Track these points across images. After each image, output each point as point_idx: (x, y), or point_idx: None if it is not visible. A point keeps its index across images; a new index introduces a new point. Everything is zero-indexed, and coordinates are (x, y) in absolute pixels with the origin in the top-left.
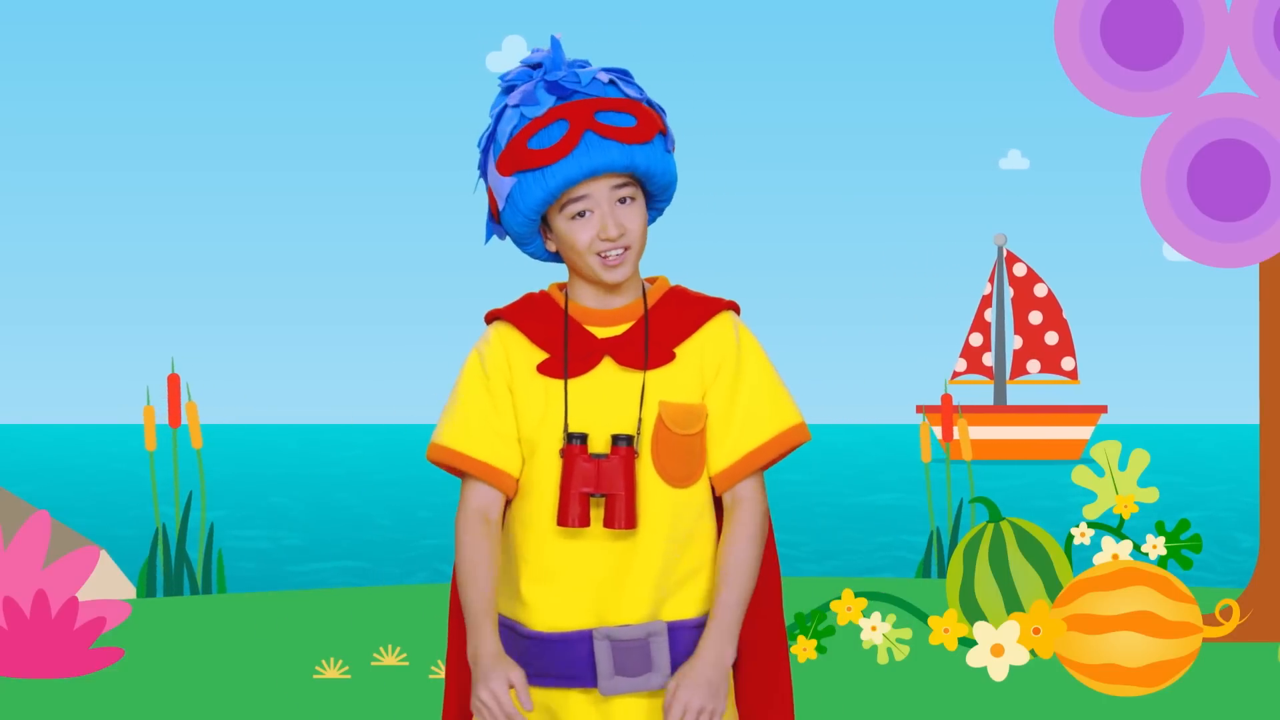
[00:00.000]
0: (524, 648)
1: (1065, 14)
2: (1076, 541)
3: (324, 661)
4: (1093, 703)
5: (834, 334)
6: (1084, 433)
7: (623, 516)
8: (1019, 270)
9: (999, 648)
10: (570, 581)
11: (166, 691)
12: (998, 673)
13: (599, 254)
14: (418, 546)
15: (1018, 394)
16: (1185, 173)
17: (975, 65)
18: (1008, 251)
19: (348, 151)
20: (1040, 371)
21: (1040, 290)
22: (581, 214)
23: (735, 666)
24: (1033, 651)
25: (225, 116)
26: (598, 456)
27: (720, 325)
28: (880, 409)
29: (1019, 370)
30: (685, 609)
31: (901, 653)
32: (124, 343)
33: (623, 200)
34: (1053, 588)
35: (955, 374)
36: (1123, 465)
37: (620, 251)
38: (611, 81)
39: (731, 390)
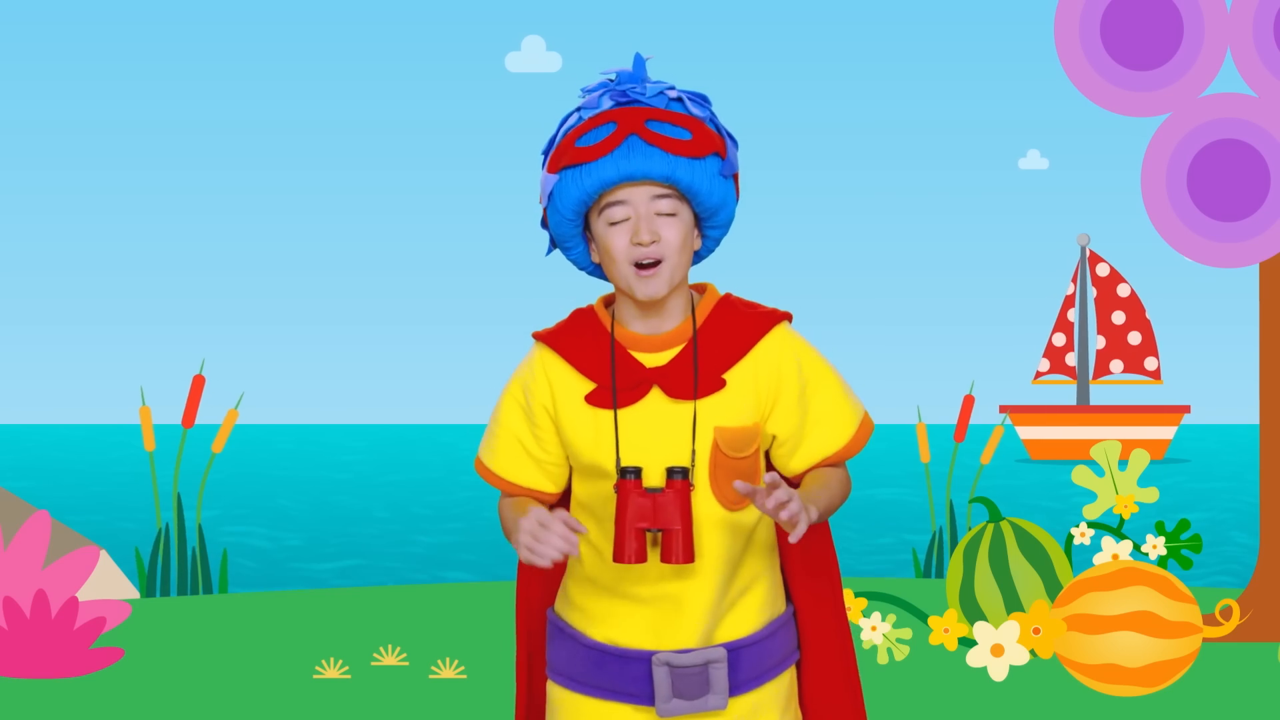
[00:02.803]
0: (581, 655)
1: (1065, 14)
2: (1076, 541)
3: (324, 661)
4: (1093, 703)
5: (888, 334)
6: (1167, 433)
7: (680, 551)
8: (1102, 270)
9: (999, 648)
10: (627, 602)
11: (166, 691)
12: (998, 673)
13: (633, 264)
14: (416, 543)
15: (1101, 394)
16: (1185, 173)
17: (993, 66)
18: (1090, 251)
19: (349, 151)
20: (1123, 371)
21: (1123, 290)
22: (619, 221)
23: (800, 667)
24: (1033, 651)
25: (224, 117)
26: (653, 491)
27: (773, 343)
28: (947, 410)
29: (1102, 370)
30: (741, 627)
31: (901, 653)
32: (125, 343)
33: (663, 213)
34: (1053, 588)
35: (1038, 374)
36: (1123, 465)
37: (653, 263)
38: (679, 99)
39: (800, 407)
